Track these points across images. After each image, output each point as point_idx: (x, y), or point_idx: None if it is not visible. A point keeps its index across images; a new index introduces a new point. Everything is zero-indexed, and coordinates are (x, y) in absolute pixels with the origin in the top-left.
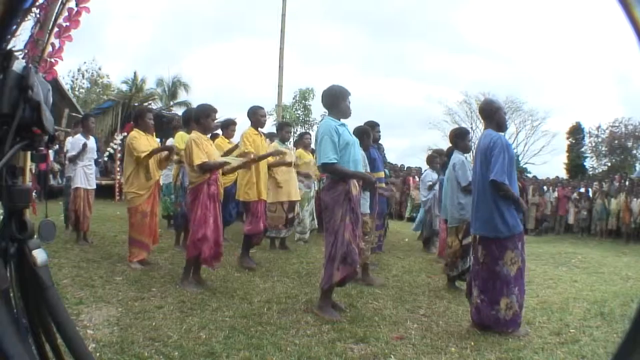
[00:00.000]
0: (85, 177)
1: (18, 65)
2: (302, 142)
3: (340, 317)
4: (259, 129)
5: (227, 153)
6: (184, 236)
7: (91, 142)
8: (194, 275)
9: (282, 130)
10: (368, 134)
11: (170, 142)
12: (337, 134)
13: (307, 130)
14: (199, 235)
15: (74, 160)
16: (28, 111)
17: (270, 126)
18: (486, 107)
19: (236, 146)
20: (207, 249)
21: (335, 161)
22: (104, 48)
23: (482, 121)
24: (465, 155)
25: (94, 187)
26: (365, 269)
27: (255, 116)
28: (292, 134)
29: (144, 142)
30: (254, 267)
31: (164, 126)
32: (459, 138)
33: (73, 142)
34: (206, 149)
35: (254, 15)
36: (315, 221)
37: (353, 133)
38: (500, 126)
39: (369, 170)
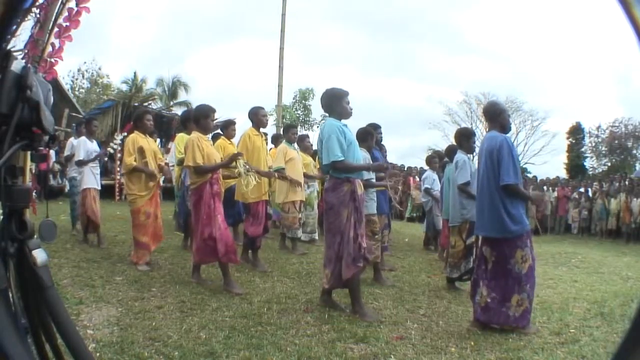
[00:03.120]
0: (93, 177)
1: (17, 65)
2: (302, 144)
3: (380, 317)
4: (260, 129)
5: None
6: (184, 237)
7: (94, 145)
8: (195, 275)
9: (289, 132)
10: (372, 135)
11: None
12: (342, 133)
13: (307, 132)
14: (206, 235)
15: (82, 164)
16: (27, 111)
17: (270, 126)
18: (490, 109)
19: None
20: (221, 246)
21: (343, 158)
22: (105, 48)
23: (484, 122)
24: (468, 155)
25: (100, 187)
26: (377, 269)
27: (257, 116)
28: (297, 135)
29: (145, 145)
30: (266, 269)
31: (164, 126)
32: (464, 138)
33: (77, 145)
34: (206, 149)
35: (254, 16)
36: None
37: (357, 134)
38: (504, 128)
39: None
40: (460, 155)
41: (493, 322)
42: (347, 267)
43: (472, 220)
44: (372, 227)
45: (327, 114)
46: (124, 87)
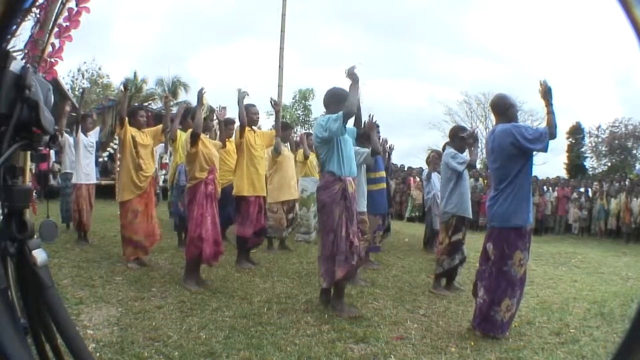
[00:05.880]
0: (85, 172)
1: (16, 65)
2: (308, 142)
3: (360, 312)
4: (252, 126)
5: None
6: (181, 236)
7: (89, 138)
8: (194, 274)
9: (285, 132)
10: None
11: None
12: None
13: (309, 131)
14: (196, 234)
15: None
16: (26, 111)
17: (270, 126)
18: (499, 103)
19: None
20: (207, 247)
21: (339, 112)
22: (106, 48)
23: (484, 122)
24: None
25: (94, 181)
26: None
27: (248, 115)
28: (293, 135)
29: (138, 140)
30: (251, 267)
31: None
32: (458, 136)
33: (74, 139)
34: (205, 148)
35: (254, 16)
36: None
37: (360, 132)
38: (512, 122)
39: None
40: (449, 150)
41: (482, 328)
42: (339, 266)
43: (459, 216)
44: (361, 227)
45: (324, 110)
46: None
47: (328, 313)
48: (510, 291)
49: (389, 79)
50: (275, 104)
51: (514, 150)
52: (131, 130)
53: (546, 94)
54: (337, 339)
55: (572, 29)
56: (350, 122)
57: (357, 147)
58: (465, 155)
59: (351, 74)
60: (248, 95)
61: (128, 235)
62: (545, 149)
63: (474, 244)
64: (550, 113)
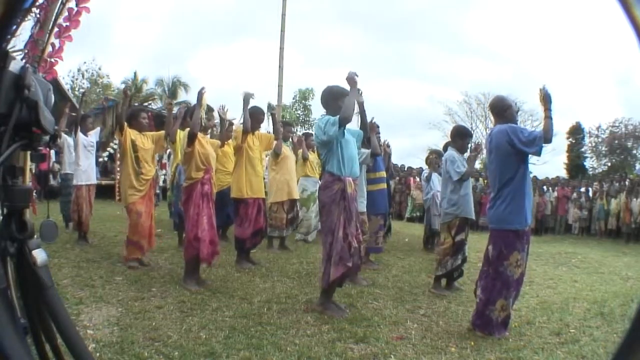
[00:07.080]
0: (85, 173)
1: (15, 65)
2: (306, 142)
3: (343, 314)
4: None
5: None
6: (181, 236)
7: (90, 138)
8: (194, 274)
9: (284, 130)
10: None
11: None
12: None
13: (309, 131)
14: (193, 235)
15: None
16: (25, 111)
17: (270, 126)
18: (498, 104)
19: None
20: (204, 248)
21: (337, 118)
22: (106, 49)
23: (483, 122)
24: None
25: (94, 181)
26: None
27: (256, 120)
28: (293, 133)
29: (139, 143)
30: (251, 267)
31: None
32: (459, 136)
33: (75, 140)
34: (202, 148)
35: (254, 16)
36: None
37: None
38: (510, 123)
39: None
40: (450, 152)
41: (478, 326)
42: (335, 267)
43: (462, 217)
44: (361, 227)
45: (324, 111)
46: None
47: (328, 313)
48: (505, 292)
49: (389, 79)
50: (273, 109)
51: (510, 149)
52: (131, 134)
53: (545, 99)
54: (337, 339)
55: (572, 29)
56: (357, 125)
57: None
58: (465, 157)
59: (351, 79)
60: (254, 98)
61: (131, 237)
62: (538, 153)
63: (474, 244)
64: (548, 118)
